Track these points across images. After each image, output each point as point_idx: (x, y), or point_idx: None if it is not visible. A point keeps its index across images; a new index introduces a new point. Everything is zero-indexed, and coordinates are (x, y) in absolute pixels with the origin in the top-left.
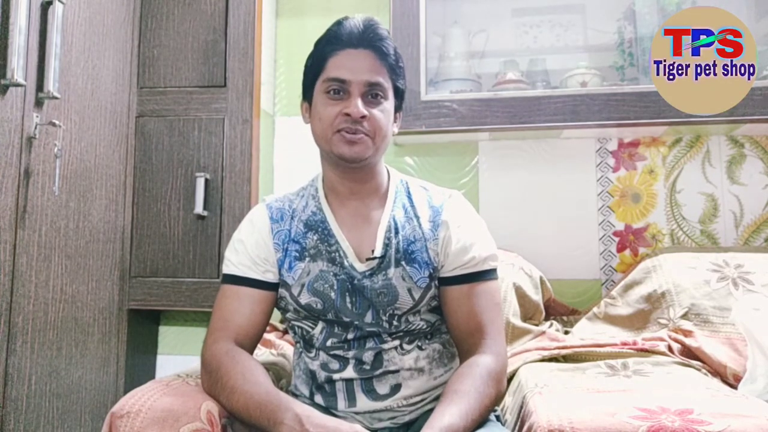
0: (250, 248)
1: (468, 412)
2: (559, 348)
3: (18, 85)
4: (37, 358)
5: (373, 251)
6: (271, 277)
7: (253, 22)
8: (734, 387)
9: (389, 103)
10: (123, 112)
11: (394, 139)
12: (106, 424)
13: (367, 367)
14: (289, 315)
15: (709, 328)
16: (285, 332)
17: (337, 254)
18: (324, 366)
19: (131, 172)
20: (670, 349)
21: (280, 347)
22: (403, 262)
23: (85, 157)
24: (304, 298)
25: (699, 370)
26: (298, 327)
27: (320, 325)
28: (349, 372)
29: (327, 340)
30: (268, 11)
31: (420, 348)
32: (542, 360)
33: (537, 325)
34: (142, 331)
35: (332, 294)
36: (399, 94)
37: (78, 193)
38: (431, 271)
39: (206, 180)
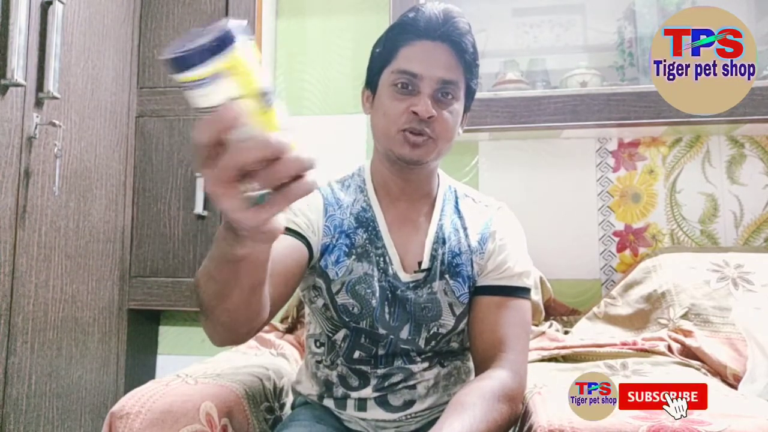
0: (300, 207)
1: (472, 425)
2: (558, 348)
3: (18, 85)
4: (37, 358)
5: (420, 263)
6: (313, 239)
7: (253, 22)
8: (734, 387)
9: (459, 105)
10: (123, 112)
11: None
12: (106, 425)
13: (387, 386)
14: (314, 307)
15: (709, 328)
16: (285, 332)
17: (382, 259)
18: (342, 380)
19: (131, 172)
20: (669, 349)
21: (280, 347)
22: (446, 276)
23: (85, 157)
24: (341, 298)
25: (698, 370)
26: (319, 327)
27: (342, 332)
28: (368, 392)
29: (353, 352)
30: (268, 11)
31: (442, 365)
32: (542, 360)
33: (537, 325)
34: (142, 331)
35: (373, 301)
36: (470, 94)
37: (78, 193)
38: (471, 284)
39: None
